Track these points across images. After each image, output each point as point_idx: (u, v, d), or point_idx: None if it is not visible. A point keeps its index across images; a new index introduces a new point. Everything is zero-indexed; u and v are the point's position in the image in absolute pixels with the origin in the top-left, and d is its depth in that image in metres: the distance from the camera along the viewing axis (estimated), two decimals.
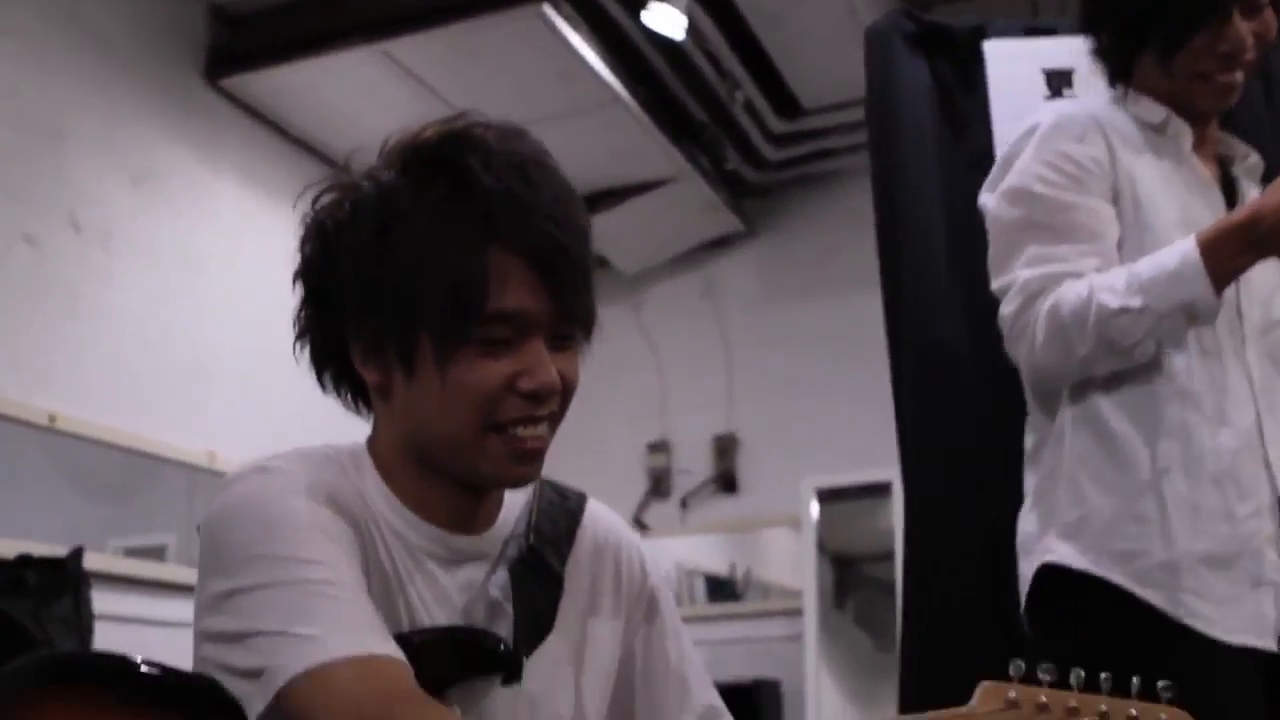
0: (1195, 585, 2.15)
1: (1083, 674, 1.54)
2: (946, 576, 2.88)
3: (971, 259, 3.00)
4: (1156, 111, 2.38)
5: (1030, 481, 2.38)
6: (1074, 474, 2.26)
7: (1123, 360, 2.19)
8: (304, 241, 1.57)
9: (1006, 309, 2.30)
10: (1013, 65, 2.99)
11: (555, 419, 1.54)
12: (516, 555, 1.61)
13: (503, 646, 1.52)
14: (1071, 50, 3.02)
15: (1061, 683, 1.53)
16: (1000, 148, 2.95)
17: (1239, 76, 2.33)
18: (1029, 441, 2.40)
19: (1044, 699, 1.51)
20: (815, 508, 6.15)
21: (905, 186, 3.06)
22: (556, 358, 1.51)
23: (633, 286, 6.79)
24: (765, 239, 6.67)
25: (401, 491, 1.56)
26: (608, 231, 6.27)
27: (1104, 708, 1.52)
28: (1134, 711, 1.53)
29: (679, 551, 6.30)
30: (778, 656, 5.94)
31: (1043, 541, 2.27)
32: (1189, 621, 2.13)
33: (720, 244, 6.71)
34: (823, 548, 6.15)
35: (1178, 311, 2.15)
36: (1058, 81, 2.95)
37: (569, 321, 1.52)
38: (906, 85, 3.09)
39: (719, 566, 6.52)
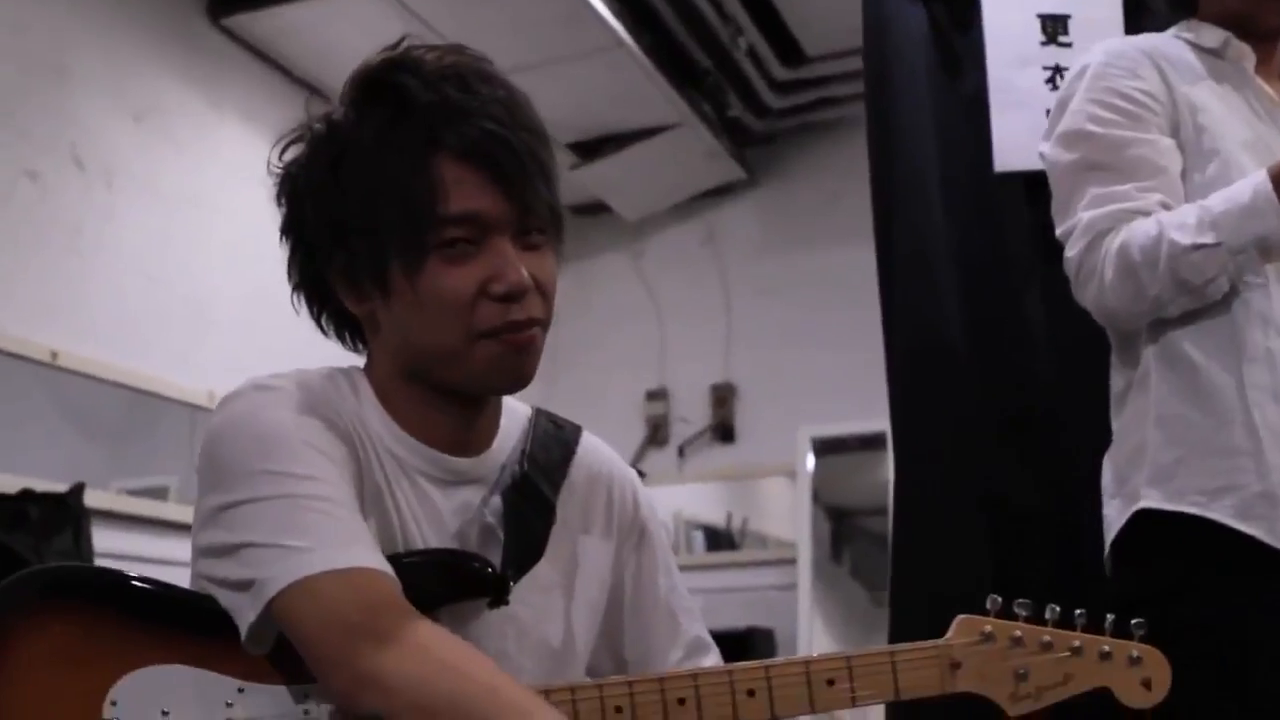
0: None
1: (1058, 609, 1.57)
2: (935, 531, 2.90)
3: (964, 206, 3.01)
4: (1215, 35, 2.34)
5: (1116, 425, 2.33)
6: (1160, 413, 2.21)
7: (1195, 299, 2.15)
8: (278, 196, 1.62)
9: (1071, 252, 2.25)
10: (1008, 9, 2.98)
11: (540, 323, 1.55)
12: (510, 481, 1.63)
13: (490, 570, 1.55)
14: None
15: (1037, 618, 1.56)
16: (994, 93, 2.94)
17: None
18: (1116, 386, 2.35)
19: (1018, 633, 1.54)
20: (811, 459, 6.18)
21: (900, 131, 3.06)
22: (526, 258, 1.52)
23: (633, 233, 6.79)
24: (767, 187, 6.66)
25: (397, 413, 1.59)
26: (609, 177, 6.27)
27: (1077, 643, 1.54)
28: (1107, 648, 1.55)
29: (676, 500, 6.32)
30: (772, 605, 5.97)
31: (1130, 485, 2.23)
32: None
33: (722, 191, 6.70)
34: (818, 499, 6.17)
35: (1252, 246, 2.11)
36: (1053, 26, 2.95)
37: (530, 218, 1.53)
38: (902, 27, 3.09)
39: (716, 516, 6.55)
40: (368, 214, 1.51)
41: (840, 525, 6.33)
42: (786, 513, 6.25)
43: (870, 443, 5.85)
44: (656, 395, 6.56)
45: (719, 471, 6.46)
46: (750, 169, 6.59)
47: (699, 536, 6.55)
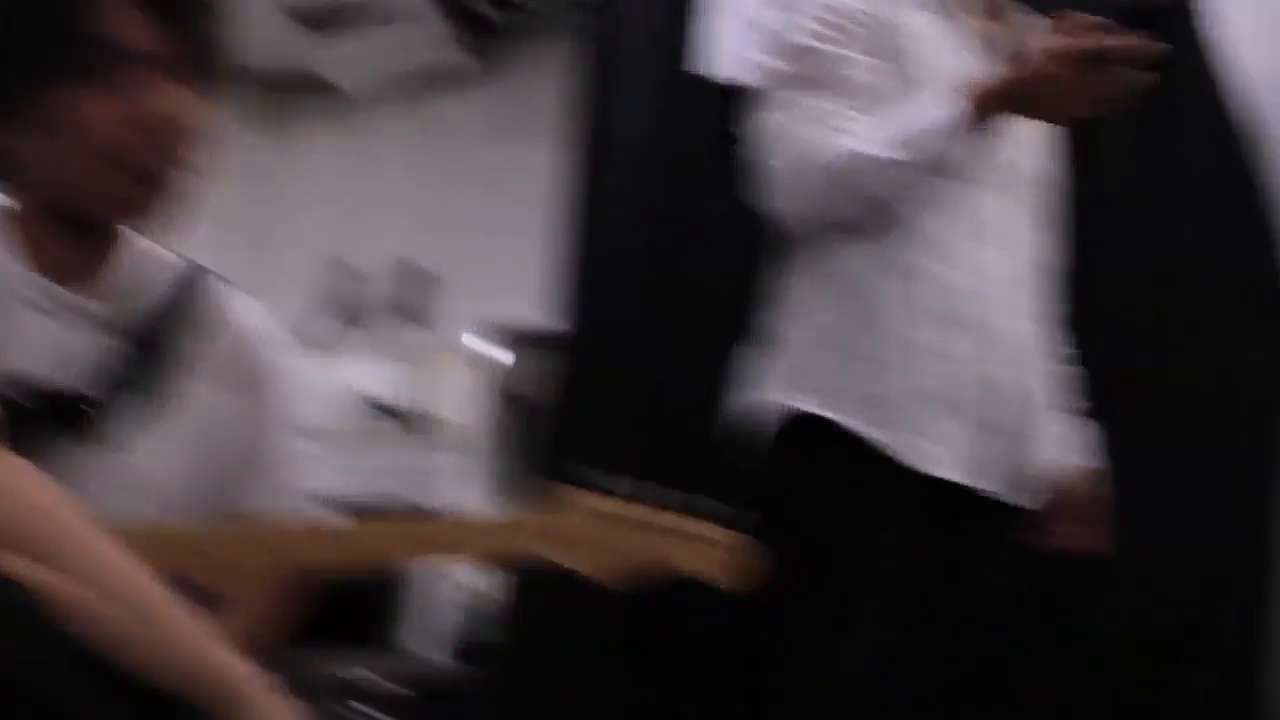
0: (915, 423, 2.20)
1: (666, 491, 1.60)
2: (581, 413, 2.95)
3: (659, 108, 3.04)
4: None
5: (771, 327, 2.39)
6: (816, 321, 2.29)
7: (876, 211, 2.22)
8: None
9: (766, 160, 2.30)
10: None
11: (177, 161, 1.52)
12: (139, 325, 1.61)
13: (98, 410, 1.53)
14: None
15: (641, 496, 1.59)
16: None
17: None
18: (778, 289, 2.40)
19: (617, 509, 1.57)
20: (497, 349, 6.16)
21: (610, 30, 3.07)
22: (176, 97, 1.49)
23: (352, 112, 6.62)
24: (497, 80, 6.55)
25: (23, 245, 1.54)
26: (336, 54, 6.12)
27: (675, 524, 1.58)
28: (705, 531, 1.59)
29: (354, 375, 6.23)
30: (442, 488, 5.95)
31: (776, 384, 2.30)
32: (910, 460, 2.19)
33: (450, 79, 6.58)
34: (502, 389, 6.17)
35: (934, 163, 2.19)
36: None
37: (185, 58, 1.50)
38: None
39: (394, 395, 6.49)
40: (8, 34, 1.45)
41: (524, 416, 6.34)
42: (467, 399, 6.24)
43: (559, 338, 5.86)
44: (350, 272, 6.42)
45: (403, 352, 6.40)
46: (483, 60, 6.49)
47: (376, 413, 6.48)
